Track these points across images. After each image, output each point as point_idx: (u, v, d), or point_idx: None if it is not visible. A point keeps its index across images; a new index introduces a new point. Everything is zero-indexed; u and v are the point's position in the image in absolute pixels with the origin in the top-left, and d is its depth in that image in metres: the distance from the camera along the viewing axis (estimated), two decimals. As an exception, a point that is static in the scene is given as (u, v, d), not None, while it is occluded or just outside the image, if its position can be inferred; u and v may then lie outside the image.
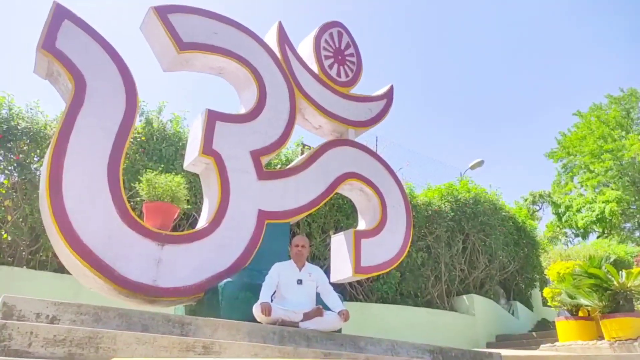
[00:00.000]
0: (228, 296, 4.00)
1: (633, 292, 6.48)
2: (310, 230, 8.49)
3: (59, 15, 4.18)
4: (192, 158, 4.69)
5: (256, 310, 3.67)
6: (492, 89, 47.51)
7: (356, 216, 6.30)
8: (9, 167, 6.70)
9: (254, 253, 4.54)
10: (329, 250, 6.11)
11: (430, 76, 48.99)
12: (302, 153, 8.94)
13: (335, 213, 8.76)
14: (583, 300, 6.92)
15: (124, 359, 2.32)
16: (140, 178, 4.85)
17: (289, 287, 4.00)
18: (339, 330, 3.97)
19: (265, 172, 4.95)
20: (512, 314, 11.35)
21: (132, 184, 6.13)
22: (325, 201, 5.38)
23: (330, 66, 6.06)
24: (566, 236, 25.65)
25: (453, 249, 10.13)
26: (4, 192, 6.61)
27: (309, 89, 5.66)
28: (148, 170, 5.71)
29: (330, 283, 4.29)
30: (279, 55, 5.52)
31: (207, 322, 3.18)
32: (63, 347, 2.27)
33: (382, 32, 48.46)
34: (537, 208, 27.54)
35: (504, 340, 9.62)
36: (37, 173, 6.67)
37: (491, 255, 10.71)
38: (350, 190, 5.82)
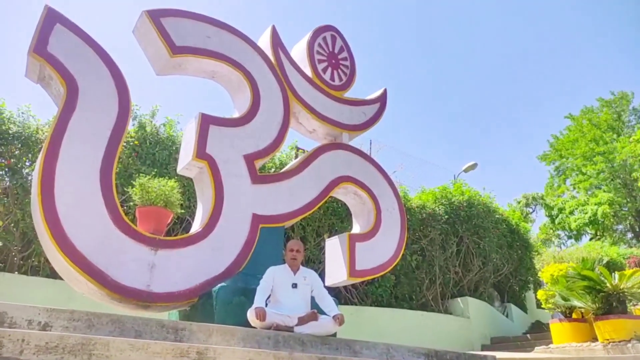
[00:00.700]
0: (222, 301, 3.98)
1: (626, 293, 6.52)
2: (305, 234, 8.47)
3: (51, 19, 4.16)
4: (186, 162, 4.67)
5: (250, 315, 3.65)
6: (485, 92, 47.82)
7: (351, 220, 6.31)
8: (0, 172, 6.64)
9: (248, 257, 4.52)
10: (324, 253, 6.11)
11: (423, 79, 49.23)
12: (296, 157, 8.93)
13: (329, 217, 8.75)
14: (576, 302, 6.95)
15: (117, 366, 2.29)
16: (133, 182, 4.83)
17: (283, 291, 3.99)
18: (334, 335, 3.96)
19: (259, 176, 4.94)
20: (507, 316, 11.39)
21: (125, 189, 6.10)
22: (319, 205, 5.38)
23: (324, 70, 6.07)
24: (559, 238, 25.80)
25: (447, 251, 10.15)
26: (-5, 197, 6.54)
27: (303, 92, 5.66)
28: (141, 174, 5.68)
29: (325, 287, 4.28)
30: (272, 59, 5.52)
31: (201, 328, 3.16)
32: (55, 355, 2.24)
33: (376, 36, 48.67)
34: (531, 210, 27.71)
35: (498, 342, 9.64)
36: (29, 178, 6.61)
37: (485, 257, 10.75)
38: (345, 194, 5.82)
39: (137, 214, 4.63)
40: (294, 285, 4.02)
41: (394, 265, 5.60)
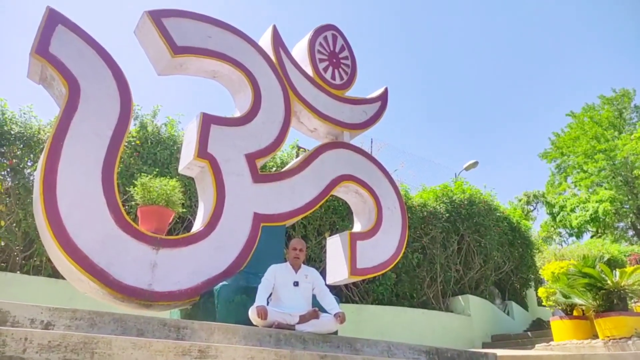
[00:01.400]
0: (224, 299, 4.00)
1: (627, 291, 6.52)
2: (306, 232, 8.49)
3: (53, 20, 4.17)
4: (187, 161, 4.68)
5: (252, 313, 3.66)
6: (486, 90, 47.75)
7: (352, 218, 6.32)
8: (2, 172, 6.67)
9: (250, 256, 4.54)
10: (325, 252, 6.12)
11: (424, 78, 49.17)
12: (298, 156, 8.95)
13: (330, 215, 8.76)
14: (577, 300, 6.96)
15: (120, 364, 2.31)
16: (135, 182, 4.84)
17: (285, 289, 4.00)
18: (335, 333, 3.97)
19: (261, 175, 4.95)
20: (508, 314, 11.40)
21: (127, 188, 6.12)
22: (320, 204, 5.39)
23: (325, 69, 6.08)
24: (560, 236, 25.80)
25: (448, 249, 10.16)
26: (-3, 197, 6.57)
27: (304, 91, 5.68)
28: (143, 174, 5.70)
29: (326, 285, 4.29)
30: (273, 58, 5.53)
31: (203, 326, 3.18)
32: (58, 353, 2.26)
33: (376, 35, 48.60)
34: (532, 208, 27.69)
35: (499, 340, 9.65)
36: (31, 178, 6.64)
37: (486, 255, 10.76)
38: (346, 193, 5.83)
39: (138, 214, 4.65)
40: (296, 284, 4.04)
41: (395, 263, 5.62)
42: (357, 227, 5.81)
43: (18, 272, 6.51)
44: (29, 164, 6.80)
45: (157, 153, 7.48)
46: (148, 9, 4.73)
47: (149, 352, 2.45)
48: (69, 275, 3.95)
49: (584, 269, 6.85)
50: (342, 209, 8.75)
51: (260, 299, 3.77)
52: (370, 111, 6.31)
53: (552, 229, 25.47)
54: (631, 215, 25.09)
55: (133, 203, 6.25)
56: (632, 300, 7.12)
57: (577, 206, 23.84)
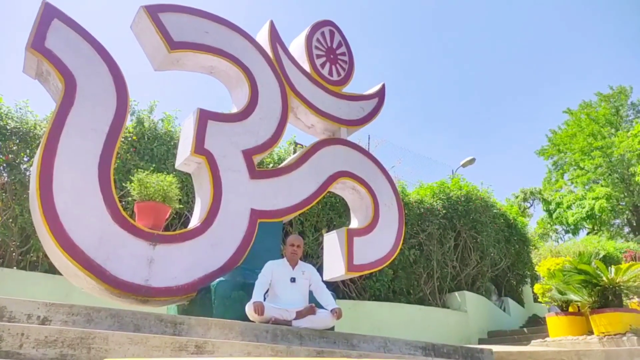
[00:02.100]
0: (221, 295, 4.00)
1: (622, 287, 6.56)
2: (303, 228, 8.50)
3: (48, 14, 4.15)
4: (184, 157, 4.68)
5: (249, 309, 3.67)
6: (483, 88, 47.78)
7: (349, 214, 6.32)
8: (-2, 168, 6.65)
9: (247, 252, 4.54)
10: (322, 248, 6.14)
11: (421, 74, 49.16)
12: (295, 152, 8.94)
13: (327, 211, 8.77)
14: (573, 296, 7.00)
15: (116, 359, 2.31)
16: (132, 178, 4.84)
17: (282, 285, 4.01)
18: (332, 328, 3.98)
19: (258, 171, 4.95)
20: (504, 310, 11.45)
21: (124, 184, 6.11)
22: (317, 200, 5.39)
23: (322, 65, 6.07)
24: (557, 233, 25.92)
25: (445, 246, 10.19)
26: (-7, 192, 6.55)
27: (301, 87, 5.67)
28: (139, 169, 5.69)
29: (323, 281, 4.30)
30: (270, 54, 5.51)
31: (200, 322, 3.18)
32: (55, 348, 2.27)
33: (374, 30, 48.52)
34: (528, 205, 27.79)
35: (495, 336, 9.70)
36: (27, 173, 6.61)
37: (483, 252, 10.79)
38: (343, 189, 5.84)
39: (135, 209, 4.64)
40: (293, 280, 4.04)
41: (391, 259, 5.63)
42: (354, 224, 5.82)
43: (14, 267, 6.50)
44: (25, 159, 6.78)
45: (154, 149, 7.47)
46: (144, 3, 4.70)
47: (145, 348, 2.46)
48: (65, 271, 3.94)
49: (580, 266, 6.88)
50: (340, 206, 8.76)
51: (257, 295, 3.78)
52: (368, 107, 6.31)
53: (549, 225, 25.57)
54: (627, 212, 25.21)
55: (130, 199, 6.25)
56: (627, 297, 7.15)
57: (574, 203, 23.93)
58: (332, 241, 5.40)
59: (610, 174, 24.57)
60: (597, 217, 22.75)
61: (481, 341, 9.40)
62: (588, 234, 23.92)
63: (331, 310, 3.89)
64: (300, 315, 3.81)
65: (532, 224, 24.70)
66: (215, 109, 4.96)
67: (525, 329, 9.95)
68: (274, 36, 5.68)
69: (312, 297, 4.12)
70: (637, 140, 22.04)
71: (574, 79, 42.68)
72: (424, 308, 9.38)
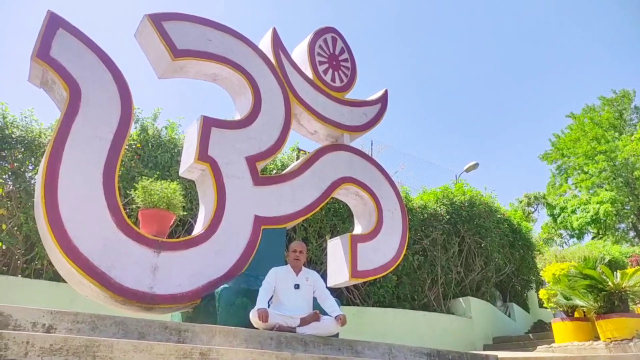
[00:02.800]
0: (225, 302, 4.00)
1: (628, 292, 6.52)
2: (307, 235, 8.49)
3: (53, 23, 4.19)
4: (188, 164, 4.69)
5: (253, 316, 3.67)
6: (486, 92, 47.79)
7: (352, 220, 6.32)
8: (4, 176, 6.68)
9: (251, 259, 4.54)
10: (325, 255, 6.13)
11: (424, 79, 49.22)
12: (298, 158, 8.96)
13: (331, 217, 8.77)
14: (578, 301, 6.96)
15: (121, 367, 2.31)
16: (136, 185, 4.85)
17: (286, 292, 4.00)
18: (336, 335, 3.97)
19: (261, 178, 4.96)
20: (509, 315, 11.38)
21: (128, 191, 6.13)
22: (321, 206, 5.39)
23: (325, 71, 6.09)
24: (561, 237, 25.78)
25: (449, 251, 10.16)
26: (-2, 200, 6.58)
27: (304, 94, 5.69)
28: (143, 177, 5.71)
29: (327, 287, 4.29)
30: (273, 61, 5.54)
31: (204, 329, 3.18)
32: (60, 356, 2.27)
33: (376, 36, 48.68)
34: (532, 210, 27.69)
35: (501, 342, 9.64)
36: (32, 181, 6.65)
37: (487, 257, 10.75)
38: (346, 195, 5.84)
39: (139, 217, 4.66)
40: (297, 286, 4.04)
41: (395, 265, 5.61)
42: (358, 230, 5.81)
43: (19, 275, 6.52)
44: (30, 167, 6.82)
45: (158, 156, 7.50)
46: (148, 12, 4.74)
47: (150, 355, 2.46)
48: (70, 279, 3.95)
49: (585, 271, 6.85)
50: (343, 212, 8.75)
51: (261, 302, 3.78)
52: (370, 113, 6.32)
53: (553, 230, 25.45)
54: (632, 216, 25.06)
55: (134, 206, 6.26)
56: (634, 302, 7.11)
57: (578, 207, 23.82)
58: (335, 247, 5.40)
59: (614, 178, 24.46)
60: (601, 221, 22.63)
61: (486, 347, 9.34)
62: (593, 238, 23.79)
63: (335, 317, 3.88)
64: (304, 322, 3.80)
65: (537, 228, 24.61)
66: (219, 116, 4.98)
67: (530, 335, 9.89)
68: (277, 43, 5.71)
69: (316, 304, 4.11)
70: (641, 144, 21.97)
71: (577, 83, 42.67)
72: (428, 314, 9.33)
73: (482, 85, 47.83)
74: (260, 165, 5.03)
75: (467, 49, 46.38)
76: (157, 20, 4.74)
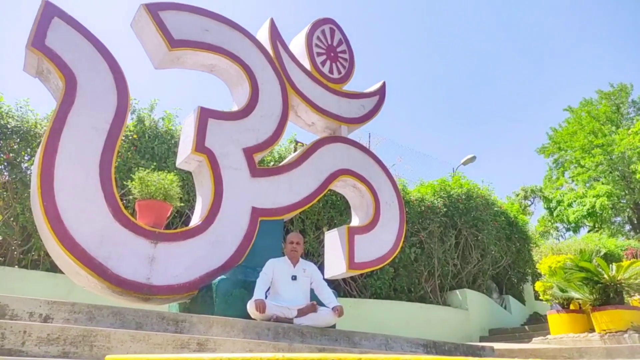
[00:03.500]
0: (222, 293, 4.01)
1: (623, 284, 6.56)
2: (304, 227, 8.50)
3: (49, 12, 4.14)
4: (185, 156, 4.68)
5: (250, 307, 3.68)
6: (484, 85, 47.73)
7: (350, 213, 6.32)
8: (-1, 167, 6.65)
9: (248, 250, 4.55)
10: (323, 247, 6.13)
11: (422, 72, 49.11)
12: (295, 150, 8.94)
13: (328, 210, 8.77)
14: (574, 294, 7.00)
15: (118, 356, 2.32)
16: (133, 176, 4.84)
17: (283, 283, 4.01)
18: (333, 326, 3.99)
19: (259, 170, 4.95)
20: (505, 308, 11.45)
21: (125, 182, 6.11)
22: (318, 198, 5.39)
23: (323, 63, 6.06)
24: (557, 230, 25.88)
25: (446, 244, 10.19)
26: (-6, 191, 6.55)
27: (302, 85, 5.66)
28: (140, 168, 5.69)
29: (324, 279, 4.30)
30: (271, 52, 5.51)
31: (202, 319, 3.19)
32: (57, 346, 2.27)
33: (374, 28, 48.46)
34: (529, 203, 27.75)
35: (496, 334, 9.70)
36: (28, 172, 6.62)
37: (484, 250, 10.79)
38: (344, 187, 5.84)
39: (136, 208, 4.65)
40: (294, 278, 4.05)
41: (392, 257, 5.63)
42: (355, 222, 5.81)
43: (16, 266, 6.51)
44: (26, 158, 6.78)
45: (155, 147, 7.47)
46: (145, 1, 4.69)
47: (147, 345, 2.46)
48: (67, 269, 3.95)
49: (581, 263, 6.88)
50: (340, 204, 8.75)
51: (258, 293, 3.79)
52: (368, 105, 6.30)
53: (550, 223, 25.54)
54: (628, 210, 25.17)
55: (131, 197, 6.24)
56: (628, 294, 7.15)
57: (574, 201, 23.89)
58: (333, 239, 5.40)
59: (611, 172, 24.52)
60: (598, 214, 22.71)
61: (482, 339, 9.40)
62: (589, 231, 23.89)
63: (332, 308, 3.90)
64: (301, 313, 3.81)
65: (533, 222, 24.69)
66: (216, 107, 4.96)
67: (526, 327, 9.96)
68: (275, 34, 5.67)
69: (313, 295, 4.12)
70: (637, 138, 22.01)
71: (574, 77, 42.65)
72: (425, 306, 9.37)
73: (480, 78, 47.78)
74: (257, 157, 5.01)
75: (465, 41, 46.25)
76: (154, 9, 4.69)
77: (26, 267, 6.53)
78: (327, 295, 4.08)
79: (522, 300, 12.52)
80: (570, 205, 23.99)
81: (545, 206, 25.69)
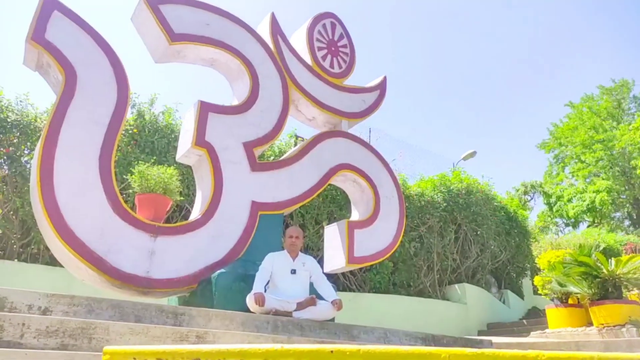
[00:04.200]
0: (221, 287, 4.02)
1: (622, 279, 6.58)
2: (304, 221, 8.51)
3: (49, 6, 4.13)
4: (185, 150, 4.68)
5: (250, 300, 3.69)
6: (484, 81, 47.60)
7: (349, 207, 6.33)
8: (-1, 160, 6.65)
9: (248, 244, 4.56)
10: (323, 241, 6.15)
11: (423, 68, 48.95)
12: (296, 144, 8.93)
13: (328, 204, 8.78)
14: (573, 288, 7.02)
15: (116, 347, 2.33)
16: (133, 170, 4.84)
17: (282, 277, 4.03)
18: (333, 320, 4.00)
19: (259, 164, 4.95)
20: (504, 302, 11.49)
21: (124, 176, 6.11)
22: (318, 192, 5.40)
23: (324, 57, 6.04)
24: (557, 226, 25.88)
25: (445, 239, 10.20)
26: (-6, 185, 6.56)
27: (302, 80, 5.65)
28: (140, 162, 5.69)
29: (324, 273, 4.32)
30: (271, 46, 5.49)
31: (201, 312, 3.20)
32: (56, 338, 2.28)
33: (375, 23, 48.26)
34: (529, 198, 27.73)
35: (495, 328, 9.75)
36: (28, 166, 6.62)
37: (483, 244, 10.81)
38: (344, 182, 5.84)
39: (136, 202, 4.65)
40: (293, 271, 4.06)
41: (392, 252, 5.64)
42: (355, 216, 5.82)
43: (15, 260, 6.53)
44: (26, 151, 6.78)
45: (155, 141, 7.46)
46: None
47: (146, 338, 2.47)
48: (67, 263, 3.96)
49: (580, 258, 6.90)
50: (340, 198, 8.76)
51: (257, 286, 3.80)
52: (369, 100, 6.29)
53: (549, 219, 25.54)
54: (628, 205, 25.19)
55: (131, 191, 6.25)
56: (627, 289, 7.17)
57: (574, 196, 23.89)
58: (332, 233, 5.41)
59: (611, 167, 24.51)
60: (597, 210, 22.71)
61: (481, 333, 9.44)
62: (588, 226, 23.89)
63: (332, 302, 3.91)
64: (300, 306, 3.83)
65: (533, 217, 24.69)
66: (217, 101, 4.95)
67: (524, 321, 10.00)
68: (275, 28, 5.65)
69: (312, 289, 4.14)
70: (638, 134, 21.99)
71: (575, 72, 42.52)
72: (424, 300, 9.41)
73: (481, 73, 47.63)
74: (257, 151, 5.01)
75: (466, 36, 46.08)
76: (154, 3, 4.68)
77: (26, 260, 6.55)
78: (326, 289, 4.09)
79: (520, 294, 12.56)
80: (570, 200, 23.99)
81: (545, 201, 25.68)
